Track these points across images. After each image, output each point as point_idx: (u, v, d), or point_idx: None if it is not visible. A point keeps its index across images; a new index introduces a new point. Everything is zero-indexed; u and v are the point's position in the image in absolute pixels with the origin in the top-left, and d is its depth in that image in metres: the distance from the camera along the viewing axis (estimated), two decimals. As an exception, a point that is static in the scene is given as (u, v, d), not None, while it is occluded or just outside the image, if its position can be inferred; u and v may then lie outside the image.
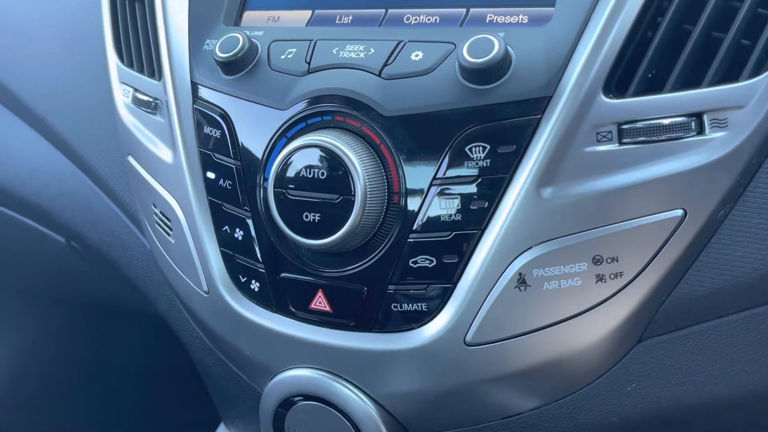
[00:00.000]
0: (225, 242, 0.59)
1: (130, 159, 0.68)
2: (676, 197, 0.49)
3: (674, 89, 0.48)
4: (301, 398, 0.59)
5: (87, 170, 0.79)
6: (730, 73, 0.48)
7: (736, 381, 0.53)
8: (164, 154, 0.63)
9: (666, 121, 0.48)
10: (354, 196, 0.51)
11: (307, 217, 0.53)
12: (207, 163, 0.60)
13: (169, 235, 0.64)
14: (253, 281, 0.59)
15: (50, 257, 0.97)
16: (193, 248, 0.61)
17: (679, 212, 0.49)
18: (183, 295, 0.65)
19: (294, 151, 0.53)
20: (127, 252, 0.77)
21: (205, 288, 0.61)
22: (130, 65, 0.68)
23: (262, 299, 0.59)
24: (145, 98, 0.66)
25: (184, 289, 0.64)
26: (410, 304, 0.53)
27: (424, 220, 0.52)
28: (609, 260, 0.49)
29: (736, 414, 0.55)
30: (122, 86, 0.69)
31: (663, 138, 0.48)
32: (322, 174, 0.52)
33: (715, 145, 0.48)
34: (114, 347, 1.24)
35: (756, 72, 0.47)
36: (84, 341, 1.22)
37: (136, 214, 0.74)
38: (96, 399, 1.22)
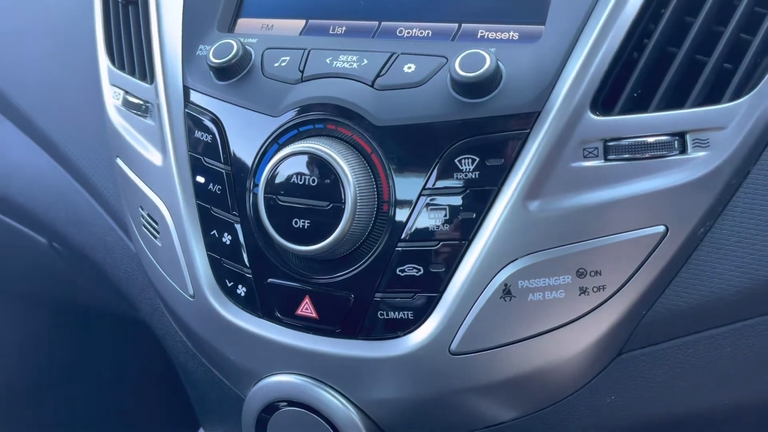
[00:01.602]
0: (212, 246, 0.60)
1: (119, 161, 0.68)
2: (658, 214, 0.50)
3: (659, 109, 0.49)
4: (285, 404, 0.59)
5: (73, 171, 0.78)
6: (712, 95, 0.49)
7: (712, 395, 0.54)
8: (154, 157, 0.63)
9: (650, 140, 0.49)
10: (344, 203, 0.52)
11: (296, 223, 0.53)
12: (197, 167, 0.60)
13: (156, 238, 0.64)
14: (240, 286, 0.59)
15: (31, 258, 0.96)
16: (179, 252, 0.61)
17: (661, 228, 0.50)
18: (168, 298, 0.65)
19: (285, 158, 0.53)
20: (111, 254, 0.76)
21: (191, 292, 0.61)
22: (122, 68, 0.68)
23: (248, 304, 0.59)
24: (136, 101, 0.66)
25: (169, 293, 0.64)
26: (396, 313, 0.54)
27: (413, 229, 0.52)
28: (592, 273, 0.50)
29: (711, 428, 0.57)
30: (113, 88, 0.69)
31: (647, 156, 0.49)
32: (313, 181, 0.53)
33: (697, 164, 0.49)
34: (94, 351, 1.23)
35: (737, 95, 0.49)
36: (63, 344, 1.21)
37: (121, 217, 0.74)
38: (73, 403, 1.21)
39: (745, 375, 0.53)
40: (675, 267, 0.51)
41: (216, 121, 0.59)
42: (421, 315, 0.53)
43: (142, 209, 0.65)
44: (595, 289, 0.51)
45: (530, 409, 0.56)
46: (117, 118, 0.68)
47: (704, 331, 0.53)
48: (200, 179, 0.60)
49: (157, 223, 0.63)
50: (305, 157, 0.53)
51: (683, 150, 0.49)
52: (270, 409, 0.60)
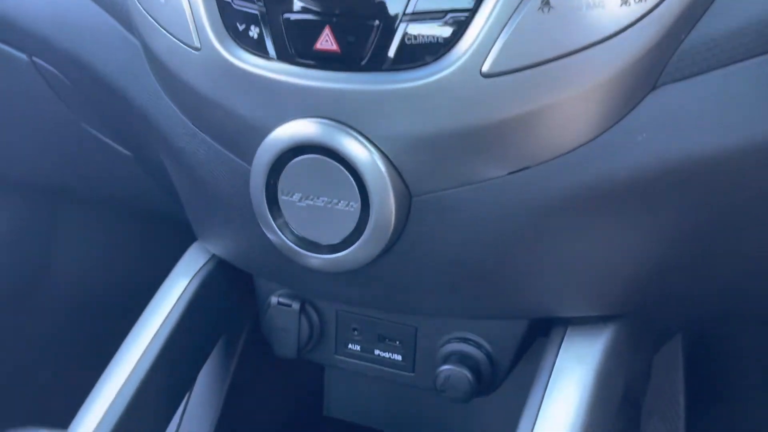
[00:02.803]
0: (222, -11, 0.56)
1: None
2: None
3: None
4: (299, 154, 0.56)
5: None
6: None
7: (741, 129, 0.53)
8: None
9: None
10: None
11: (320, -66, 0.50)
12: None
13: (157, -6, 0.59)
14: (252, 27, 0.55)
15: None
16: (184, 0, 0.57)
17: None
18: (170, 60, 0.61)
19: None
20: (104, 46, 0.71)
21: (197, 44, 0.57)
22: None
23: (260, 46, 0.55)
24: None
25: (172, 52, 0.60)
26: (426, 37, 0.51)
27: None
28: (635, -18, 0.48)
29: (741, 167, 0.55)
30: None
31: None
32: None
33: None
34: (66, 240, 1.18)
35: None
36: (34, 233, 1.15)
37: (116, 7, 0.69)
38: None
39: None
40: None
41: None
42: (453, 36, 0.50)
43: (144, -32, 0.60)
44: (637, 0, 0.49)
45: (559, 150, 0.53)
46: None
47: (737, 63, 0.51)
48: None
49: (159, -23, 0.59)
50: None
51: None
52: (282, 161, 0.57)
